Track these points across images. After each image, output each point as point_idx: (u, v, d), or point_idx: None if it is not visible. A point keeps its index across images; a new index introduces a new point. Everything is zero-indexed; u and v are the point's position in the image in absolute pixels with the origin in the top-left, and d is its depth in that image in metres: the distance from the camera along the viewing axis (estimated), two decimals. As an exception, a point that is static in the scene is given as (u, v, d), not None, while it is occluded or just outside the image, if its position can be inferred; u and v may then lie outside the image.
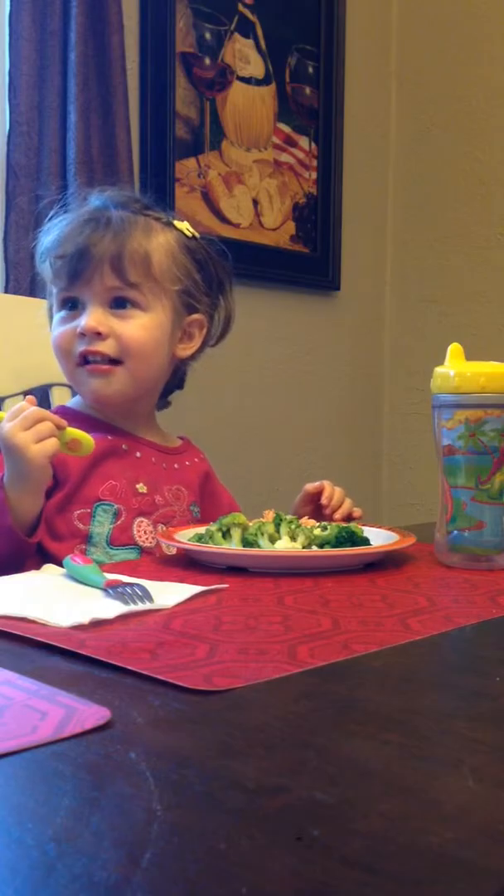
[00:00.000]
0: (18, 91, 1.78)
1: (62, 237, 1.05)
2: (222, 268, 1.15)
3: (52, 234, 1.07)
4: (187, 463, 1.17)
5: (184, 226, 1.12)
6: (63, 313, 1.07)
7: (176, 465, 1.15)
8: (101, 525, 1.02)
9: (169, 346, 1.10)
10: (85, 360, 1.05)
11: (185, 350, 1.13)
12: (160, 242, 1.07)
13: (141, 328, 1.05)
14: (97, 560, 1.00)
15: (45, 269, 1.08)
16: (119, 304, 1.05)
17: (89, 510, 1.03)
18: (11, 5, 1.78)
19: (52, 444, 0.92)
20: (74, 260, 1.03)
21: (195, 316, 1.12)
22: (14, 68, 1.78)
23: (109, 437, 1.08)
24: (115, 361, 1.05)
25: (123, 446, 1.09)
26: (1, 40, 1.82)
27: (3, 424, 0.92)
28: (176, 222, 1.12)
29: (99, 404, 1.10)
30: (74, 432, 0.95)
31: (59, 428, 0.93)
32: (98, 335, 1.03)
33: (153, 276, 1.05)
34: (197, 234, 1.13)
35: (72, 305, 1.06)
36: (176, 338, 1.11)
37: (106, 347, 1.04)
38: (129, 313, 1.05)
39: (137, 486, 1.07)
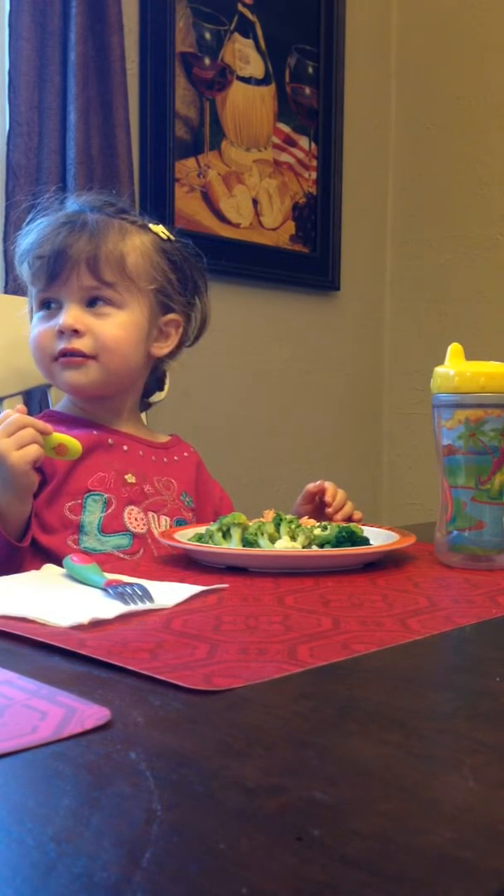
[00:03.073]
0: (18, 91, 1.78)
1: (40, 239, 1.08)
2: (197, 270, 1.18)
3: (30, 236, 1.10)
4: (176, 458, 1.18)
5: (158, 228, 1.15)
6: (42, 313, 1.10)
7: (165, 459, 1.16)
8: (92, 514, 1.04)
9: (145, 344, 1.12)
10: (61, 355, 1.07)
11: (161, 349, 1.15)
12: (135, 244, 1.10)
13: (117, 326, 1.08)
14: (90, 548, 1.01)
15: (24, 270, 1.11)
16: (95, 302, 1.08)
17: (79, 501, 1.04)
18: (11, 5, 1.78)
19: (33, 451, 0.93)
20: (52, 261, 1.06)
21: (171, 315, 1.14)
22: (14, 68, 1.78)
23: (95, 433, 1.09)
24: (91, 357, 1.07)
25: (109, 441, 1.11)
26: (1, 40, 1.82)
27: None
28: (151, 225, 1.14)
29: (76, 395, 1.12)
30: (61, 437, 0.95)
31: (45, 433, 0.94)
32: (75, 332, 1.06)
33: (128, 275, 1.08)
34: (172, 237, 1.16)
35: (49, 306, 1.09)
36: (152, 337, 1.13)
37: (83, 345, 1.06)
38: (105, 311, 1.08)
39: (126, 476, 1.09)
